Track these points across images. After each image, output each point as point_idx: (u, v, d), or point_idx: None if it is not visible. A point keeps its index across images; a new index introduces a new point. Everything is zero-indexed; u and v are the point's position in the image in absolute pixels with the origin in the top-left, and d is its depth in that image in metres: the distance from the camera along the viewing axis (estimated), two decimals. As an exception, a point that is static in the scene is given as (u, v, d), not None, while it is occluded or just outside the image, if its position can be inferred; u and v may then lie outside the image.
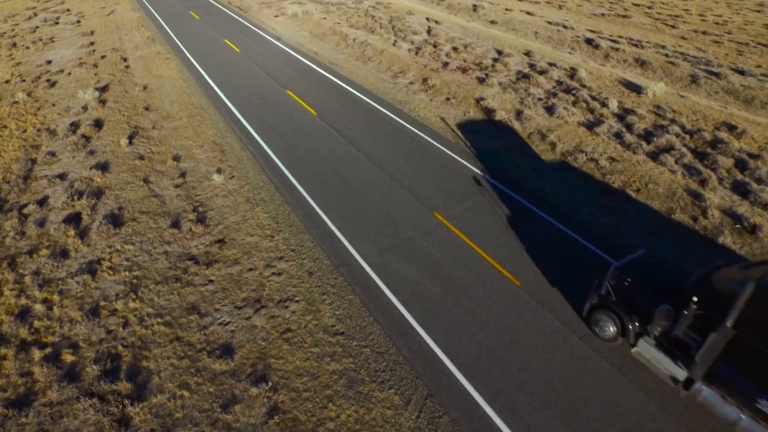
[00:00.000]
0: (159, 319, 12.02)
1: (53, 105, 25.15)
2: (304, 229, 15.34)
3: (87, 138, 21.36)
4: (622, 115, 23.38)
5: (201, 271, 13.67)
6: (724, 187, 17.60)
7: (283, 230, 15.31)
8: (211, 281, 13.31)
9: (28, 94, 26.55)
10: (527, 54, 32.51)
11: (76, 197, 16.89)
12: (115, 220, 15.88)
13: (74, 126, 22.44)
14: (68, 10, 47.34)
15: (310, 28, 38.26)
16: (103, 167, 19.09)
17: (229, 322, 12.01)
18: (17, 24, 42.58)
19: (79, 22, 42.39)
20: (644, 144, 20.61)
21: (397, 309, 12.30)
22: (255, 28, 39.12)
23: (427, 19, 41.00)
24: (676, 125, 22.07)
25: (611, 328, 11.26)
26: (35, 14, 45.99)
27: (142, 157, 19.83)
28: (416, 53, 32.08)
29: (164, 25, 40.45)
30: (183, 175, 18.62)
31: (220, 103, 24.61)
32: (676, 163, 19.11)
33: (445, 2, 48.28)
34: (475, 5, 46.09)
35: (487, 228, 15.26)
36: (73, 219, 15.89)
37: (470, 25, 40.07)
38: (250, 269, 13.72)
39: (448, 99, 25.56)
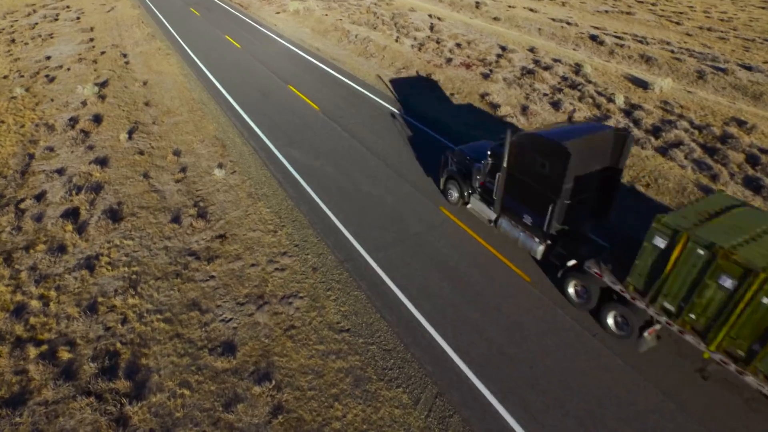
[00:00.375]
0: (159, 316, 11.67)
1: (52, 100, 24.80)
2: (308, 224, 14.98)
3: (86, 133, 21.01)
4: (629, 110, 23.01)
5: (202, 266, 13.31)
6: (735, 182, 17.23)
7: (286, 225, 14.95)
8: (213, 277, 12.96)
9: (27, 90, 26.21)
10: (531, 50, 32.16)
11: (74, 192, 16.54)
12: (114, 215, 15.53)
13: (73, 121, 22.09)
14: (68, 6, 47.01)
15: (312, 25, 37.91)
16: (102, 162, 18.73)
17: (231, 319, 11.65)
18: (16, 20, 42.28)
19: (78, 18, 42.06)
20: (653, 139, 20.25)
21: (404, 305, 11.94)
22: (256, 24, 38.78)
23: (430, 15, 40.65)
24: (685, 120, 21.71)
25: (455, 194, 15.48)
26: (34, 11, 45.69)
27: (141, 152, 19.48)
28: (419, 49, 31.72)
29: (164, 21, 40.10)
30: (183, 170, 18.27)
31: (221, 99, 24.27)
32: (686, 158, 18.75)
33: (447, 0, 47.93)
34: (477, 2, 45.74)
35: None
36: (71, 214, 15.54)
37: (473, 22, 39.72)
38: (253, 265, 13.37)
39: (452, 94, 25.20)
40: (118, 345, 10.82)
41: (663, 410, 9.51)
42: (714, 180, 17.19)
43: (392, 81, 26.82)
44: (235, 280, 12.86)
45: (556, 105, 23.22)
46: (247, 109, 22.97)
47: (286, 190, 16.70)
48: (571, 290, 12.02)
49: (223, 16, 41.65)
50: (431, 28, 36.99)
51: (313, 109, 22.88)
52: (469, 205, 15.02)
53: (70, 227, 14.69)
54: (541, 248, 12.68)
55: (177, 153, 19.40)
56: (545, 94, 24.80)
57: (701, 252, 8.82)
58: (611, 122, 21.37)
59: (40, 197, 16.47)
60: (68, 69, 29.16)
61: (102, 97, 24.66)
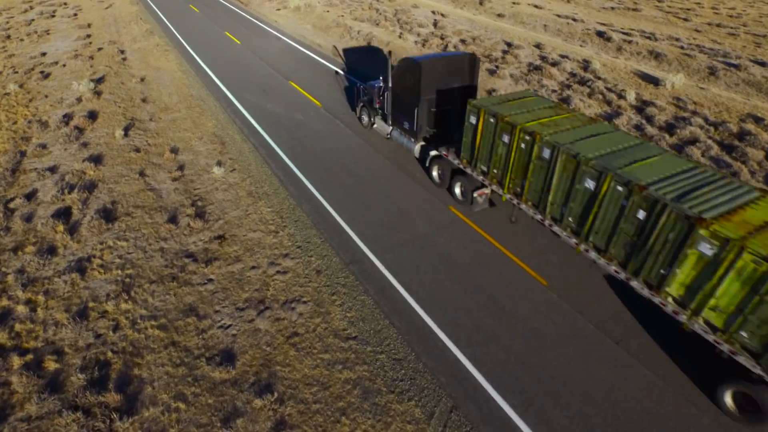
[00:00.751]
0: (153, 322, 10.95)
1: (46, 97, 24.08)
2: (311, 224, 14.27)
3: (80, 130, 20.29)
4: (641, 107, 22.31)
5: (199, 269, 12.60)
6: (756, 180, 16.52)
7: (288, 225, 14.24)
8: (211, 280, 12.24)
9: (20, 86, 25.49)
10: (538, 46, 31.46)
11: (66, 191, 15.82)
12: (108, 215, 14.81)
13: (67, 118, 21.38)
14: (65, 3, 46.30)
15: (313, 21, 37.19)
16: (97, 160, 18.02)
17: (230, 326, 10.94)
18: (12, 17, 41.57)
19: (76, 15, 41.34)
20: (667, 136, 19.54)
21: (414, 310, 11.23)
22: (256, 21, 38.06)
23: (433, 12, 39.95)
24: (699, 117, 21.00)
25: (366, 118, 19.63)
26: (31, 7, 44.97)
27: (138, 150, 18.76)
28: (423, 45, 31.02)
29: (163, 18, 39.38)
30: (181, 168, 17.55)
31: (220, 95, 23.55)
32: (703, 155, 18.03)
33: (451, -4, 47.22)
34: (481, -1, 45.05)
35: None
36: (63, 214, 14.82)
37: (477, 18, 39.01)
38: (253, 267, 12.66)
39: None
40: (109, 354, 10.10)
41: (697, 425, 8.81)
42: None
43: (396, 77, 26.12)
44: (234, 283, 12.15)
45: (565, 101, 22.51)
46: (247, 105, 22.25)
47: (287, 189, 15.98)
48: (434, 173, 15.93)
49: (223, 12, 40.94)
50: (435, 24, 36.29)
51: (315, 104, 22.16)
52: (374, 125, 19.17)
53: (61, 228, 13.98)
54: (416, 147, 16.67)
55: (174, 150, 18.69)
56: (553, 90, 24.09)
57: (491, 120, 12.54)
58: (623, 119, 20.67)
59: (30, 196, 15.75)
60: (64, 65, 28.44)
61: (98, 94, 23.94)
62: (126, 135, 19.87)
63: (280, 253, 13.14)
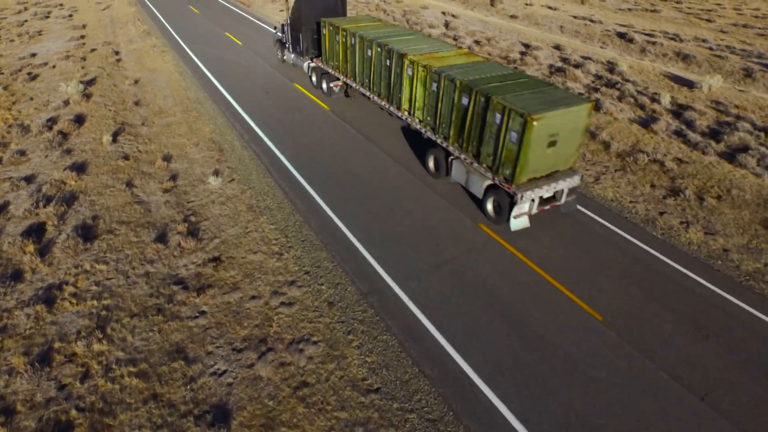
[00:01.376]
0: (131, 368, 9.00)
1: (31, 99, 22.28)
2: (321, 245, 12.34)
3: (64, 135, 18.45)
4: (678, 111, 20.42)
5: (190, 299, 10.66)
6: (826, 194, 14.57)
7: (294, 246, 12.31)
8: (203, 313, 10.31)
9: (5, 88, 23.70)
10: (557, 47, 29.64)
11: (42, 204, 13.93)
12: (87, 232, 12.90)
13: (51, 122, 19.54)
14: (61, 4, 44.70)
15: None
16: (80, 168, 16.14)
17: (224, 372, 8.99)
18: (5, 17, 39.89)
19: (71, 16, 39.69)
20: (713, 143, 17.62)
21: (449, 355, 9.26)
22: (259, 22, 36.32)
23: (443, 13, 38.22)
24: (745, 122, 19.09)
25: (279, 54, 25.90)
26: (25, 8, 43.32)
27: (126, 157, 16.89)
28: (436, 46, 29.20)
29: (161, 18, 37.70)
30: (174, 177, 15.66)
31: (219, 98, 21.71)
32: (759, 164, 16.10)
33: (460, -3, 45.54)
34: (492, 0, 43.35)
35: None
36: (36, 231, 12.92)
37: (489, 20, 37.27)
38: (253, 297, 10.72)
39: (476, 94, 22.58)
40: (73, 413, 8.14)
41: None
42: (801, 191, 14.51)
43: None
44: (231, 317, 10.21)
45: (595, 106, 20.60)
46: (248, 108, 20.40)
47: (293, 203, 14.07)
48: (313, 78, 22.31)
49: (224, 13, 39.23)
50: (446, 25, 34.53)
51: (322, 108, 20.29)
52: (284, 58, 25.55)
53: (31, 248, 12.07)
54: (305, 63, 22.77)
55: (167, 158, 16.81)
56: (580, 93, 22.19)
57: (332, 29, 19.04)
58: (661, 124, 18.75)
59: (0, 210, 13.85)
60: (53, 66, 26.68)
61: (87, 96, 22.12)
62: (115, 141, 18.01)
63: (284, 279, 11.20)
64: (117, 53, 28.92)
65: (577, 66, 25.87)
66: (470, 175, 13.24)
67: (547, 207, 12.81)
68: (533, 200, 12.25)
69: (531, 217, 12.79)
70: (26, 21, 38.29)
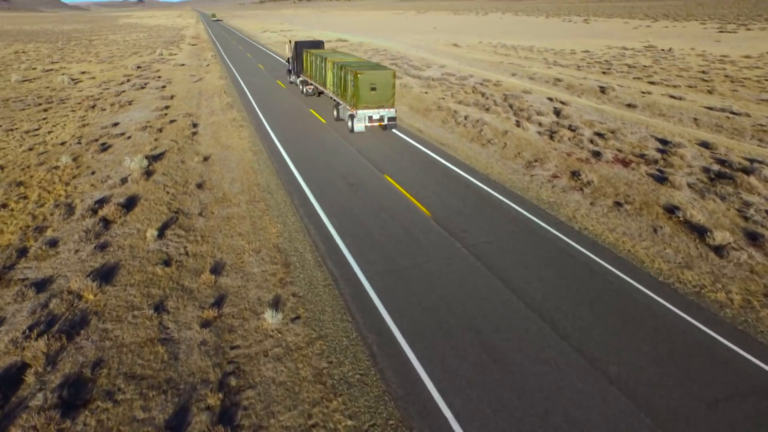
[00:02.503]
0: None
1: (92, 173, 19.84)
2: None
3: (107, 223, 15.13)
4: None
5: None
6: None
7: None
8: None
9: (74, 159, 21.71)
10: (704, 145, 23.92)
11: (36, 332, 9.95)
12: (77, 393, 8.55)
13: (100, 204, 16.50)
14: (159, 76, 45.95)
15: (410, 102, 32.43)
16: (107, 275, 12.35)
17: None
18: (108, 89, 40.88)
19: (164, 87, 39.98)
20: None
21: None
22: (346, 100, 34.04)
23: (550, 99, 34.03)
24: None
25: (289, 78, 40.06)
26: (128, 80, 44.77)
27: (167, 263, 12.98)
28: (550, 137, 24.59)
29: (247, 92, 36.65)
30: (219, 301, 11.36)
31: (293, 187, 17.98)
32: None
33: (563, 83, 41.52)
34: (602, 87, 38.83)
35: None
36: (9, 382, 8.76)
37: (604, 108, 32.48)
38: None
39: (618, 204, 17.21)
40: None
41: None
42: None
43: (527, 176, 19.49)
44: None
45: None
46: (326, 205, 16.33)
47: (385, 379, 9.02)
48: (302, 88, 34.81)
49: (311, 90, 37.70)
50: (557, 112, 30.10)
51: (422, 213, 15.73)
52: (291, 81, 38.95)
53: (-17, 422, 7.80)
54: (298, 80, 35.88)
55: (217, 269, 12.70)
56: (771, 214, 16.13)
57: (306, 54, 33.43)
58: None
59: (-18, 337, 10.00)
60: (129, 137, 24.88)
61: (149, 174, 19.30)
62: (161, 236, 14.34)
63: None
64: (195, 125, 26.96)
65: (747, 172, 19.91)
66: (342, 109, 25.96)
67: (376, 124, 24.36)
68: (367, 117, 23.83)
69: (368, 130, 24.56)
70: (123, 92, 38.82)
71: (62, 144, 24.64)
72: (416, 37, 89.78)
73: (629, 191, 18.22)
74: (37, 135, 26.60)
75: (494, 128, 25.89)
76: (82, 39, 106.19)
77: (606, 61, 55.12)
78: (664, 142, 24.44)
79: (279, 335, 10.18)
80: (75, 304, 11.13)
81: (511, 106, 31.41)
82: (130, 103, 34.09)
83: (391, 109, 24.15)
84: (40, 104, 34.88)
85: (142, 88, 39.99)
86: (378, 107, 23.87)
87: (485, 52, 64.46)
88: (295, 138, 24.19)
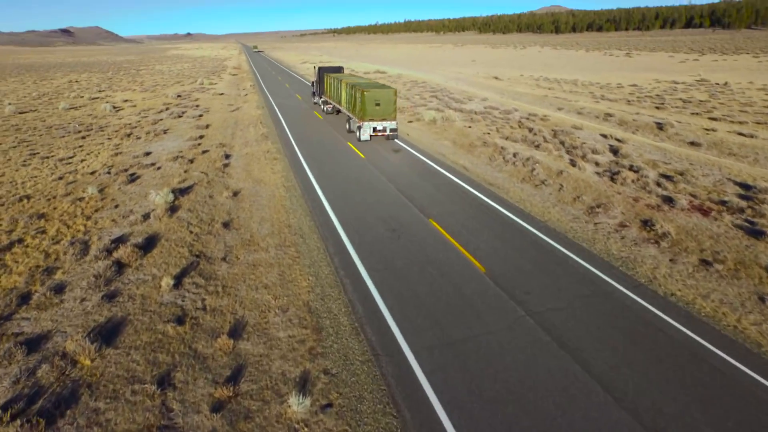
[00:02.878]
0: None
1: (116, 207, 18.64)
2: None
3: (120, 266, 13.59)
4: None
5: None
6: None
7: None
8: None
9: (100, 190, 20.70)
10: (793, 192, 20.89)
11: (10, 412, 8.20)
12: None
13: (117, 243, 15.05)
14: (197, 105, 46.02)
15: (453, 137, 30.61)
16: (110, 333, 10.63)
17: None
18: (146, 117, 40.96)
19: (201, 116, 39.69)
20: None
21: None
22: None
23: (604, 135, 31.55)
24: None
25: (313, 99, 44.51)
26: (167, 108, 44.96)
27: (181, 320, 11.19)
28: (611, 179, 22.10)
29: (283, 123, 35.75)
30: (236, 375, 9.39)
31: (328, 230, 16.15)
32: None
33: (615, 118, 38.95)
34: (658, 123, 36.05)
35: None
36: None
37: (665, 146, 29.72)
38: None
39: (705, 263, 14.52)
40: None
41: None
42: None
43: (590, 224, 17.06)
44: None
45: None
46: (365, 255, 14.35)
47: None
48: (323, 107, 39.12)
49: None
50: (614, 151, 27.59)
51: (475, 269, 13.52)
52: (315, 101, 43.27)
53: None
54: (320, 99, 40.21)
55: (237, 330, 10.81)
56: None
57: (326, 77, 38.32)
58: None
59: (-50, 415, 8.31)
60: (159, 168, 23.90)
61: (173, 210, 17.92)
62: (177, 285, 12.65)
63: None
64: (227, 157, 25.84)
65: None
66: (352, 122, 30.13)
67: (380, 134, 28.36)
68: (372, 128, 27.91)
69: (372, 139, 28.54)
70: (161, 120, 38.68)
71: (92, 173, 23.85)
72: (455, 69, 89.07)
73: (716, 246, 15.51)
74: (70, 163, 26.04)
75: (547, 167, 23.63)
76: (130, 69, 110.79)
77: (657, 95, 52.24)
78: (745, 186, 21.55)
79: (305, 428, 8.06)
80: (67, 372, 9.39)
81: (562, 143, 29.12)
82: (165, 131, 33.64)
83: (393, 122, 28.32)
84: (79, 131, 34.92)
85: (179, 116, 39.81)
86: (381, 120, 27.95)
87: (528, 85, 62.63)
88: (330, 173, 22.59)
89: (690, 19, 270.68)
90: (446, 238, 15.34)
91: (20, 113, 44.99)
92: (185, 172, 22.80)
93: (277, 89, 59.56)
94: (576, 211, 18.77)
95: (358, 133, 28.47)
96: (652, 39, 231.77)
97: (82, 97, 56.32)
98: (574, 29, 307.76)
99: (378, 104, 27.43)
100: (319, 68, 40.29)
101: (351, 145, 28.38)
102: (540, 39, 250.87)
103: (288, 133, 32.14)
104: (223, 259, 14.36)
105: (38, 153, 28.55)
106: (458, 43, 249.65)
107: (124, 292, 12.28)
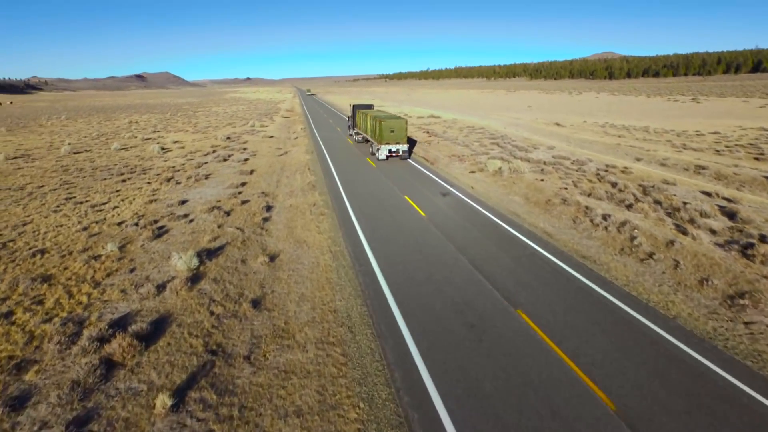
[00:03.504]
0: None
1: (131, 271, 15.70)
2: None
3: (110, 368, 10.23)
4: None
5: None
6: None
7: None
8: None
9: (121, 247, 18.02)
10: None
11: None
12: None
13: (115, 329, 11.80)
14: (245, 148, 44.46)
15: (524, 192, 26.51)
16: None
17: None
18: (192, 159, 39.51)
19: (246, 159, 37.70)
20: None
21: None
22: (446, 184, 28.91)
23: (707, 194, 26.47)
24: None
25: (349, 131, 52.09)
26: (214, 151, 43.60)
27: (170, 477, 7.47)
28: (744, 254, 17.17)
29: (333, 170, 32.95)
30: None
31: (385, 324, 12.26)
32: None
33: (709, 171, 33.58)
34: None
35: None
36: None
37: (790, 210, 24.24)
38: None
39: None
40: None
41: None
42: None
43: (738, 324, 12.31)
44: None
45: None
46: (439, 371, 10.29)
47: None
48: (356, 137, 47.44)
49: (404, 169, 33.21)
50: (729, 214, 22.51)
51: (600, 402, 9.15)
52: (350, 134, 51.11)
53: None
54: (353, 131, 49.33)
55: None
56: None
57: (357, 112, 46.97)
58: None
59: None
60: (191, 220, 21.17)
61: (194, 281, 14.71)
62: (178, 406, 9.06)
63: None
64: (269, 209, 22.89)
65: None
66: (374, 146, 36.31)
67: (394, 155, 35.29)
68: (387, 151, 34.87)
69: (388, 158, 35.55)
70: (205, 163, 36.96)
71: (120, 224, 21.43)
72: (511, 115, 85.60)
73: None
74: (101, 210, 23.91)
75: (650, 234, 19.03)
76: (188, 111, 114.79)
77: (749, 143, 46.20)
78: None
79: None
80: None
81: (658, 202, 24.35)
82: (207, 176, 31.54)
83: (405, 145, 35.72)
84: (122, 173, 33.51)
85: (225, 160, 38.01)
86: (395, 143, 35.20)
87: (594, 132, 57.95)
88: (387, 237, 18.96)
89: (758, 63, 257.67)
90: (546, 344, 11.06)
91: (75, 153, 44.99)
92: (219, 227, 19.88)
93: (328, 133, 57.81)
94: (709, 301, 14.02)
95: (377, 154, 36.06)
96: (717, 84, 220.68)
97: (136, 137, 56.71)
98: (629, 75, 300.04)
99: (392, 131, 34.93)
100: (354, 106, 49.64)
101: (408, 199, 24.85)
102: (594, 84, 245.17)
103: (338, 181, 29.15)
104: (247, 358, 10.75)
105: (74, 197, 26.83)
106: (510, 88, 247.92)
107: (102, 418, 8.78)
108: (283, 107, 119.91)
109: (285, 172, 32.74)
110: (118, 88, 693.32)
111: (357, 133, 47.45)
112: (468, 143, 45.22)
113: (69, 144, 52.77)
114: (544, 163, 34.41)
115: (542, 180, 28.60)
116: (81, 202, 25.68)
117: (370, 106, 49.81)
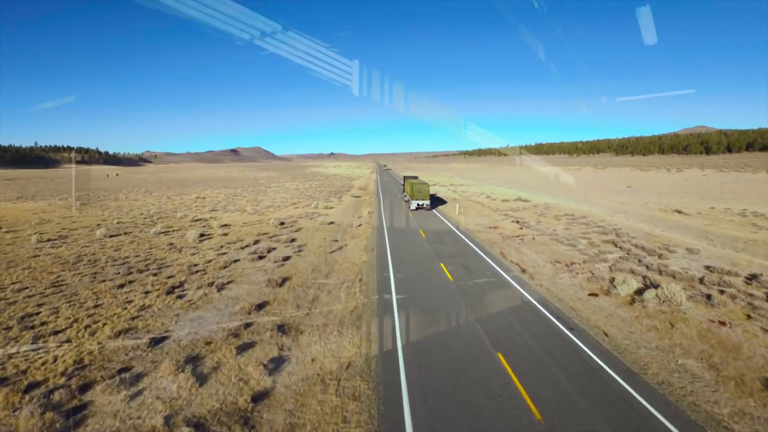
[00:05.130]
0: None
1: None
2: None
3: None
4: None
5: None
6: None
7: None
8: None
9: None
10: None
11: None
12: None
13: None
14: (293, 239, 36.97)
15: (700, 350, 15.20)
16: None
17: None
18: (224, 254, 32.26)
19: (287, 259, 29.74)
20: None
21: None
22: (557, 321, 18.50)
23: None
24: None
25: (405, 200, 67.17)
26: (256, 242, 36.33)
27: None
28: None
29: (392, 282, 23.77)
30: None
31: None
32: None
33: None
34: None
35: None
36: None
37: None
38: None
39: None
40: None
41: None
42: None
43: None
44: None
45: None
46: None
47: None
48: (410, 204, 57.64)
49: (488, 284, 23.21)
50: None
51: None
52: (405, 200, 66.13)
53: None
54: (402, 195, 76.73)
55: None
56: None
57: (404, 181, 78.29)
58: None
59: None
60: (138, 392, 12.62)
61: None
62: None
63: None
64: (276, 368, 13.83)
65: None
66: (410, 202, 57.02)
67: (421, 209, 55.61)
68: (416, 204, 55.45)
69: (417, 211, 55.17)
70: (236, 261, 29.47)
71: (32, 387, 13.43)
72: (611, 198, 73.12)
73: None
74: (43, 347, 16.32)
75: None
76: (262, 186, 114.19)
77: None
78: None
79: None
80: None
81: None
82: (223, 287, 23.66)
83: (427, 201, 55.67)
84: (131, 272, 26.78)
85: (261, 257, 30.34)
86: (422, 199, 55.24)
87: (736, 223, 44.48)
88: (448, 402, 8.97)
89: None
90: None
91: (110, 236, 40.12)
92: (175, 411, 10.99)
93: (398, 220, 49.15)
94: None
95: (409, 205, 57.02)
96: None
97: (187, 216, 52.19)
98: (729, 149, 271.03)
99: (420, 191, 55.62)
100: (404, 176, 78.29)
101: (508, 367, 14.74)
102: (691, 160, 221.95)
103: (396, 317, 19.76)
104: None
105: (38, 314, 19.82)
106: (597, 165, 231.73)
107: None
108: (356, 184, 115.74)
109: (330, 279, 24.13)
110: (215, 161, 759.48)
111: (404, 196, 69.10)
112: (573, 240, 34.41)
113: (117, 222, 49.08)
114: (701, 281, 22.78)
115: (724, 324, 17.19)
116: (33, 327, 18.44)
117: (415, 177, 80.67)
